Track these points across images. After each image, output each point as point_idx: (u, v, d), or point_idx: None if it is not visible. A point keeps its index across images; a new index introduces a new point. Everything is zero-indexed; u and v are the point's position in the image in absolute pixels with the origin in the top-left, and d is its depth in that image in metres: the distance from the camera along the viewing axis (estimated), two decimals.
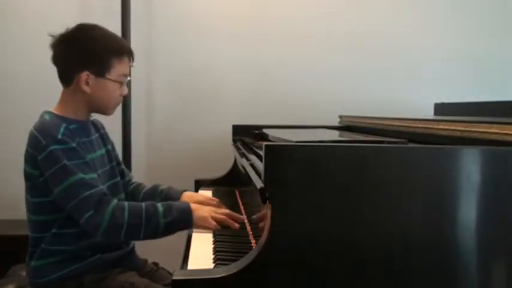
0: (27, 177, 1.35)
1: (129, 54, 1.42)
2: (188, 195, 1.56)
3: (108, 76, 1.37)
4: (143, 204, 1.32)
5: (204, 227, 1.34)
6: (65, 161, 1.26)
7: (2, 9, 2.42)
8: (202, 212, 1.35)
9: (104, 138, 1.54)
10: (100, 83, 1.37)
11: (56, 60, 1.39)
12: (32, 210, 1.36)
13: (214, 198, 1.57)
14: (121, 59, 1.39)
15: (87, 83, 1.36)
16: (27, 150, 1.33)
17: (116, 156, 1.59)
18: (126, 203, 1.30)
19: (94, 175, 1.33)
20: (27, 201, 1.38)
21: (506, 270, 1.02)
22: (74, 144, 1.30)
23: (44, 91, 2.30)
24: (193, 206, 1.35)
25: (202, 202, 1.50)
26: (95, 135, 1.48)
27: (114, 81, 1.38)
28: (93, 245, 1.36)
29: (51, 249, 1.35)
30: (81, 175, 1.27)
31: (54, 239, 1.34)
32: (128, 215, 1.26)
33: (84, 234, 1.34)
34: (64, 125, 1.32)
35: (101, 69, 1.36)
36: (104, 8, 2.41)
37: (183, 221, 1.32)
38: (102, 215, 1.25)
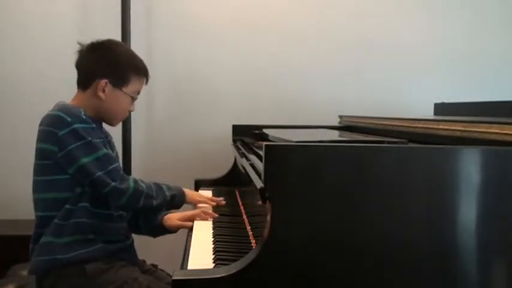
0: (44, 155, 1.38)
1: (146, 75, 1.53)
2: (169, 218, 1.60)
3: (124, 89, 1.47)
4: (148, 182, 1.48)
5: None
6: (89, 138, 1.36)
7: (1, 9, 2.42)
8: (192, 195, 1.62)
9: (111, 144, 1.58)
10: (115, 94, 1.46)
11: (80, 64, 1.48)
12: (45, 188, 1.39)
13: (196, 211, 1.60)
14: (139, 77, 1.50)
15: (103, 90, 1.45)
16: (43, 130, 1.38)
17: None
18: (136, 178, 1.46)
19: (112, 153, 1.46)
20: (37, 182, 1.41)
21: (506, 270, 1.02)
22: (93, 125, 1.41)
23: (44, 92, 2.32)
24: (185, 190, 1.59)
25: (186, 217, 1.58)
26: (104, 139, 1.51)
27: (128, 95, 1.49)
28: (97, 228, 1.40)
29: (62, 225, 1.36)
30: (105, 150, 1.39)
31: (67, 214, 1.37)
32: (145, 186, 1.43)
33: (94, 213, 1.39)
34: (83, 111, 1.41)
35: (119, 81, 1.46)
36: (104, 8, 2.41)
37: (179, 198, 1.54)
38: (126, 185, 1.39)
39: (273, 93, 2.53)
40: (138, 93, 1.53)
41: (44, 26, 2.39)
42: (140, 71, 1.50)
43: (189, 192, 1.60)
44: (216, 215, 1.55)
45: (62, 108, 1.39)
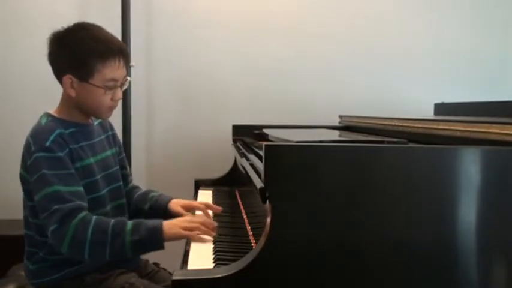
0: (22, 180, 1.34)
1: (118, 56, 1.31)
2: (174, 202, 1.52)
3: (91, 81, 1.29)
4: (112, 220, 1.25)
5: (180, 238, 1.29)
6: (44, 170, 1.22)
7: (1, 9, 2.42)
8: (173, 228, 1.25)
9: (110, 140, 1.51)
10: (84, 88, 1.30)
11: (49, 59, 1.35)
12: (30, 213, 1.35)
13: (203, 202, 1.57)
14: (106, 63, 1.29)
15: (72, 87, 1.30)
16: (22, 154, 1.33)
17: (121, 160, 1.56)
18: (93, 218, 1.23)
19: (77, 188, 1.27)
20: (25, 202, 1.37)
21: (506, 270, 1.02)
22: (60, 154, 1.26)
23: (43, 92, 2.30)
24: (165, 224, 1.25)
25: (189, 206, 1.51)
26: (100, 137, 1.46)
27: (99, 86, 1.30)
28: None
29: (51, 258, 1.33)
30: (57, 187, 1.22)
31: (52, 249, 1.31)
32: (91, 231, 1.20)
33: None
34: (58, 130, 1.28)
35: (83, 73, 1.29)
36: (104, 8, 2.40)
37: (152, 241, 1.24)
38: (65, 230, 1.20)
39: (273, 93, 2.53)
40: (116, 79, 1.32)
41: (44, 26, 2.37)
42: (106, 56, 1.28)
43: (172, 231, 1.24)
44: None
45: (33, 131, 1.30)
